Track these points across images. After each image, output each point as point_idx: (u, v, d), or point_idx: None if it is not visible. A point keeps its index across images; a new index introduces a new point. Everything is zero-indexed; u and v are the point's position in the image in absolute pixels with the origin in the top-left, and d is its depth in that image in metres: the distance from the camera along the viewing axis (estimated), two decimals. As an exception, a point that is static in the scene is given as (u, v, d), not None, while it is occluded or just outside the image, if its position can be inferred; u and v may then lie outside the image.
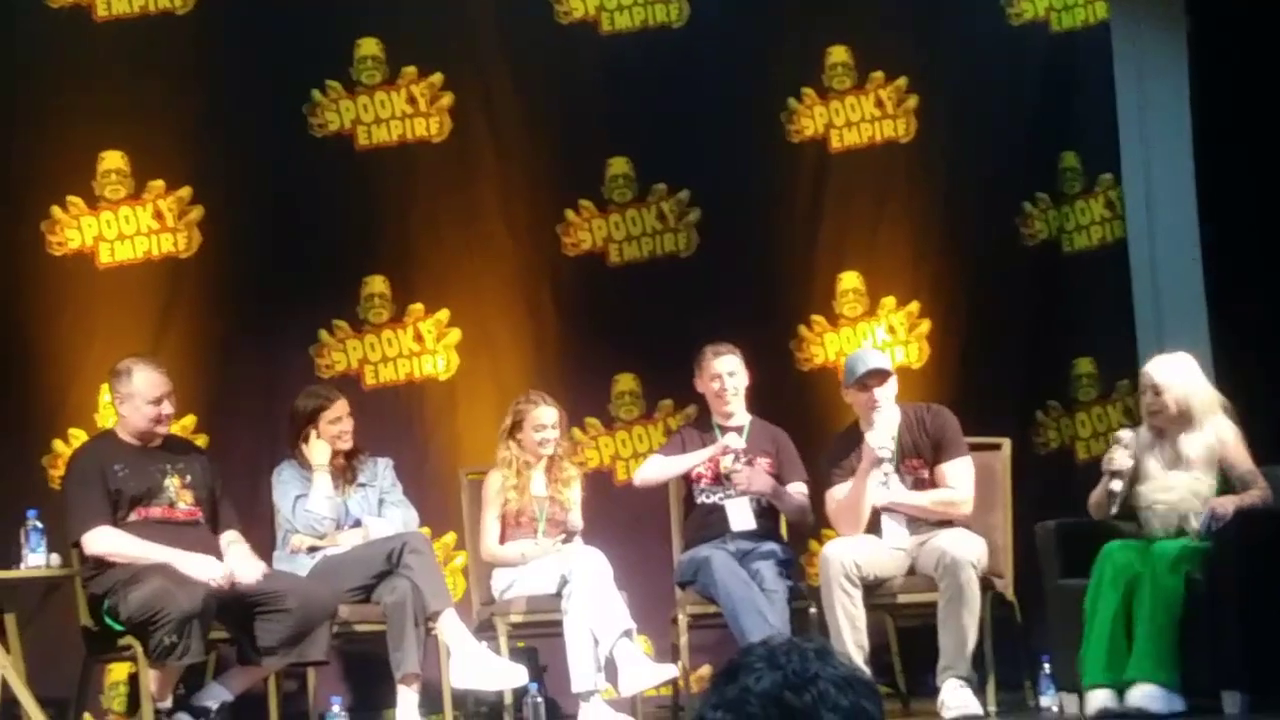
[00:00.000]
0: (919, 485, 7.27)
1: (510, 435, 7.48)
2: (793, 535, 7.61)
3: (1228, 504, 6.67)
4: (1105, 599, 6.66)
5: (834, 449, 7.43)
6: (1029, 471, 8.04)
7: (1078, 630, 6.78)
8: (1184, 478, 6.84)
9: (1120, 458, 6.91)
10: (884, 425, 7.17)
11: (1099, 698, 6.59)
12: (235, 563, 6.74)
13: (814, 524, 7.68)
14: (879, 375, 7.22)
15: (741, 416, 7.58)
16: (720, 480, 7.45)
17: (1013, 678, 7.29)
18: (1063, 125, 8.92)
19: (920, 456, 7.30)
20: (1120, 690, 6.56)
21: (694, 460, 7.46)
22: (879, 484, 7.20)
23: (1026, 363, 8.73)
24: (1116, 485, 6.90)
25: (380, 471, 7.46)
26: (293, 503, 7.25)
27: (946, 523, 7.23)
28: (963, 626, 6.92)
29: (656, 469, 7.55)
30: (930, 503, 7.24)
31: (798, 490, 7.49)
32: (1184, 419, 6.88)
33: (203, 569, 6.61)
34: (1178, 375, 6.93)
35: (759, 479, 7.41)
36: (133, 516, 6.80)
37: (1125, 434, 7.02)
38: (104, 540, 6.67)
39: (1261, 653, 6.50)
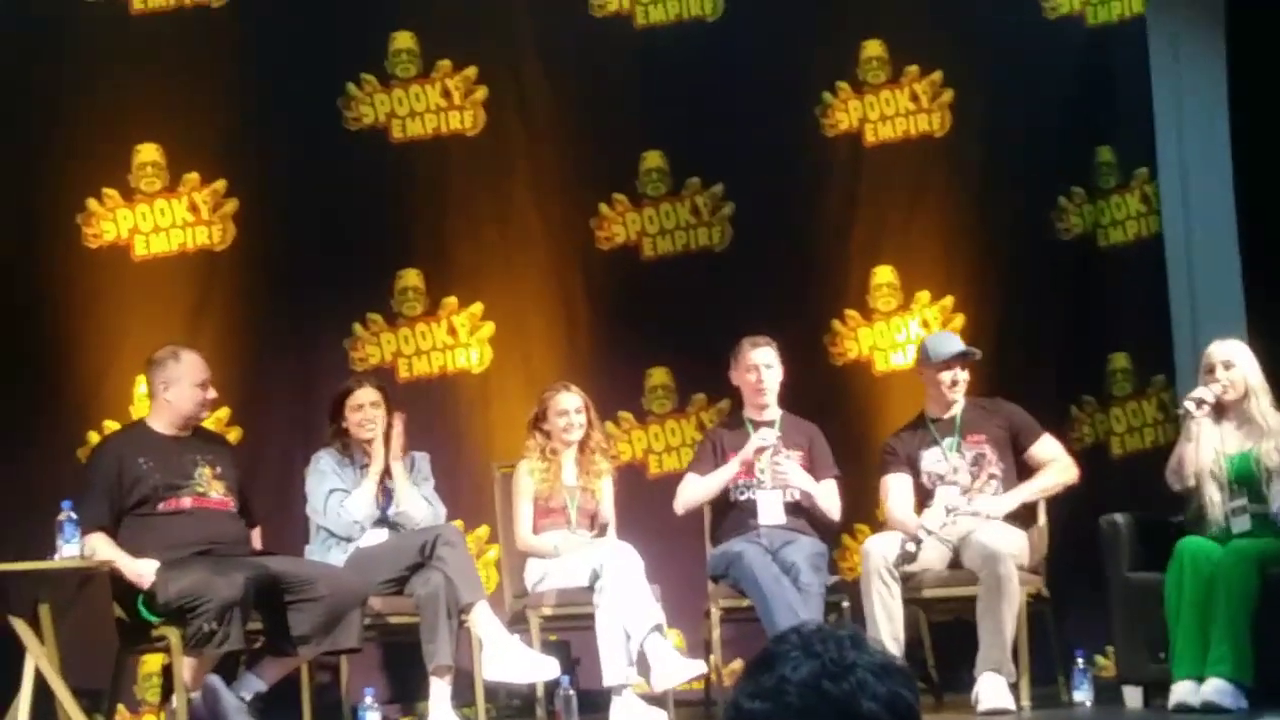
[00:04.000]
0: (978, 465, 7.38)
1: (536, 425, 7.50)
2: (826, 529, 7.60)
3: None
4: (1188, 593, 6.69)
5: (893, 440, 7.59)
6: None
7: (1147, 624, 6.88)
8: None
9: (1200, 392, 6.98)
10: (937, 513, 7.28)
11: (1181, 690, 6.63)
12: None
13: (842, 522, 7.69)
14: (964, 357, 7.43)
15: (773, 410, 7.59)
16: (755, 474, 7.45)
17: (1046, 673, 7.29)
18: (1098, 119, 8.88)
19: (985, 436, 7.42)
20: (1200, 683, 6.61)
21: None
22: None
23: (1061, 358, 8.71)
24: (1191, 405, 6.96)
25: (418, 464, 7.46)
26: (326, 495, 7.26)
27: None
28: (1001, 619, 6.95)
29: (697, 492, 7.55)
30: (1039, 492, 7.39)
31: (828, 486, 7.50)
32: (1247, 395, 6.96)
33: (139, 572, 6.65)
34: (1239, 353, 7.02)
35: (797, 473, 7.42)
36: (162, 507, 6.85)
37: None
38: (94, 548, 6.72)
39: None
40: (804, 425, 7.63)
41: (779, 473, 7.40)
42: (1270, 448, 6.90)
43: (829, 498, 7.49)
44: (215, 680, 6.52)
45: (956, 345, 7.52)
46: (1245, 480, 6.94)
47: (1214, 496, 6.95)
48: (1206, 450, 6.98)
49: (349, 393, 7.37)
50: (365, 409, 7.33)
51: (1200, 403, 6.98)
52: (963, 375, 7.48)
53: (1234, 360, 7.02)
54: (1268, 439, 6.92)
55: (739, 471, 7.47)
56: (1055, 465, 7.49)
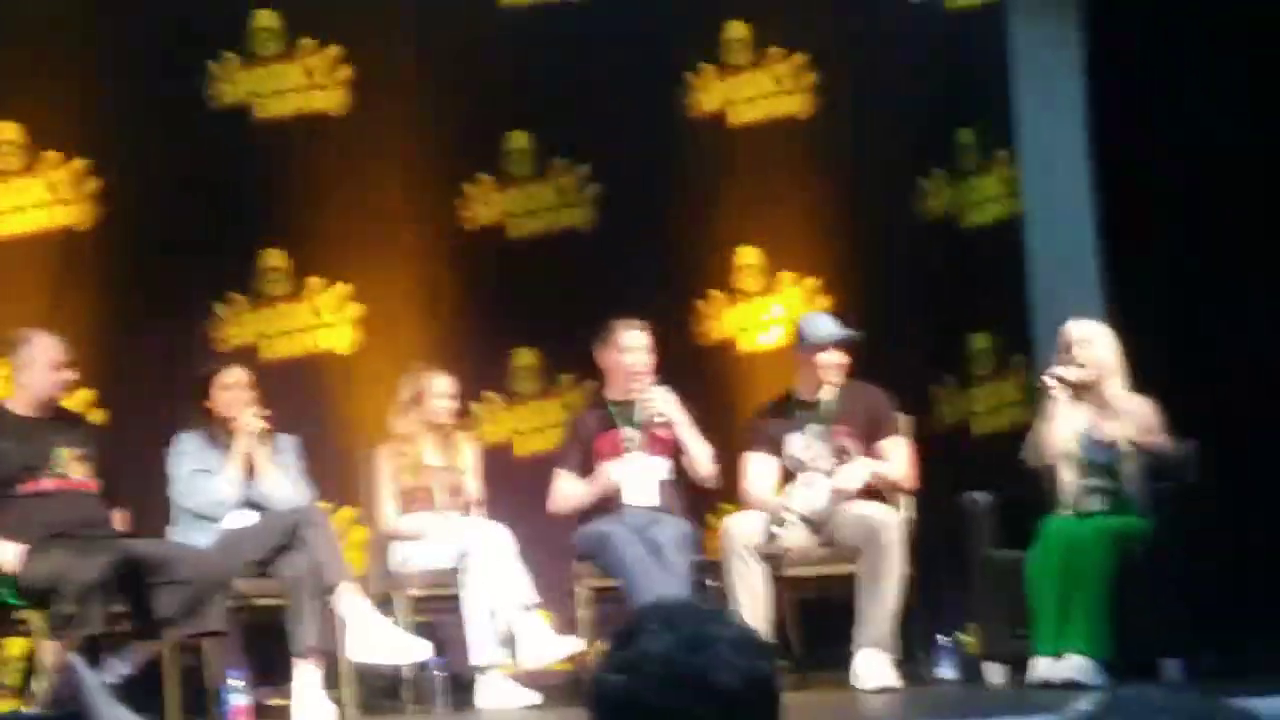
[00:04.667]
0: (840, 455, 7.39)
1: (411, 407, 7.49)
2: (692, 508, 7.66)
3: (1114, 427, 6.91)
4: (1051, 570, 6.78)
5: (759, 417, 7.61)
6: (925, 447, 8.10)
7: (1009, 601, 6.96)
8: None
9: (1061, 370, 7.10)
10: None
11: (1041, 666, 6.73)
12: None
13: (706, 503, 7.75)
14: (844, 343, 7.42)
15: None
16: (622, 451, 7.50)
17: (908, 650, 7.36)
18: (959, 102, 8.98)
19: (850, 426, 7.42)
20: (1059, 659, 6.72)
21: (602, 487, 7.47)
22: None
23: (923, 338, 8.79)
24: (1050, 379, 7.09)
25: (282, 448, 7.43)
26: (189, 476, 7.22)
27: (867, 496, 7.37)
28: (883, 593, 7.03)
29: (571, 502, 7.56)
30: (872, 475, 7.34)
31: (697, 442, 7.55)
32: (1103, 375, 7.07)
33: (1, 557, 6.62)
34: (1098, 333, 7.13)
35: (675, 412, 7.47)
36: (20, 488, 6.82)
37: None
38: None
39: (1198, 623, 6.76)
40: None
41: (659, 413, 7.43)
42: (1119, 429, 7.01)
43: (706, 451, 7.53)
44: (75, 659, 6.47)
45: (834, 329, 7.49)
46: (1097, 461, 7.06)
47: (1067, 475, 7.07)
48: (1063, 429, 7.09)
49: (216, 372, 7.34)
50: (234, 389, 7.29)
51: (1061, 380, 7.09)
52: (840, 359, 7.47)
53: (1089, 339, 7.12)
54: (1120, 421, 7.02)
55: (606, 452, 7.51)
56: (897, 464, 7.49)
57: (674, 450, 7.60)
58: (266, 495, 7.25)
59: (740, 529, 7.17)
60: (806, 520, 7.28)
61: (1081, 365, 7.10)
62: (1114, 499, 7.00)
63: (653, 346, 7.57)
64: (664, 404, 7.46)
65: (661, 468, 7.57)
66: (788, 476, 7.45)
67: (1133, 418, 7.00)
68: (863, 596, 7.08)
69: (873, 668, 6.97)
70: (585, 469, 7.58)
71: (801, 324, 7.65)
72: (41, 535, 6.71)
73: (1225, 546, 7.03)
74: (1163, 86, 7.99)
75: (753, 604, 7.04)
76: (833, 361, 7.44)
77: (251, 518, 7.21)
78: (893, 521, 7.16)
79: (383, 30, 8.39)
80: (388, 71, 8.39)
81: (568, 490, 7.56)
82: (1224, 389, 7.68)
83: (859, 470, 7.37)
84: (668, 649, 2.23)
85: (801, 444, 7.46)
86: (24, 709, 7.02)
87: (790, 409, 7.53)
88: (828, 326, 7.52)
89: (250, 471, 7.26)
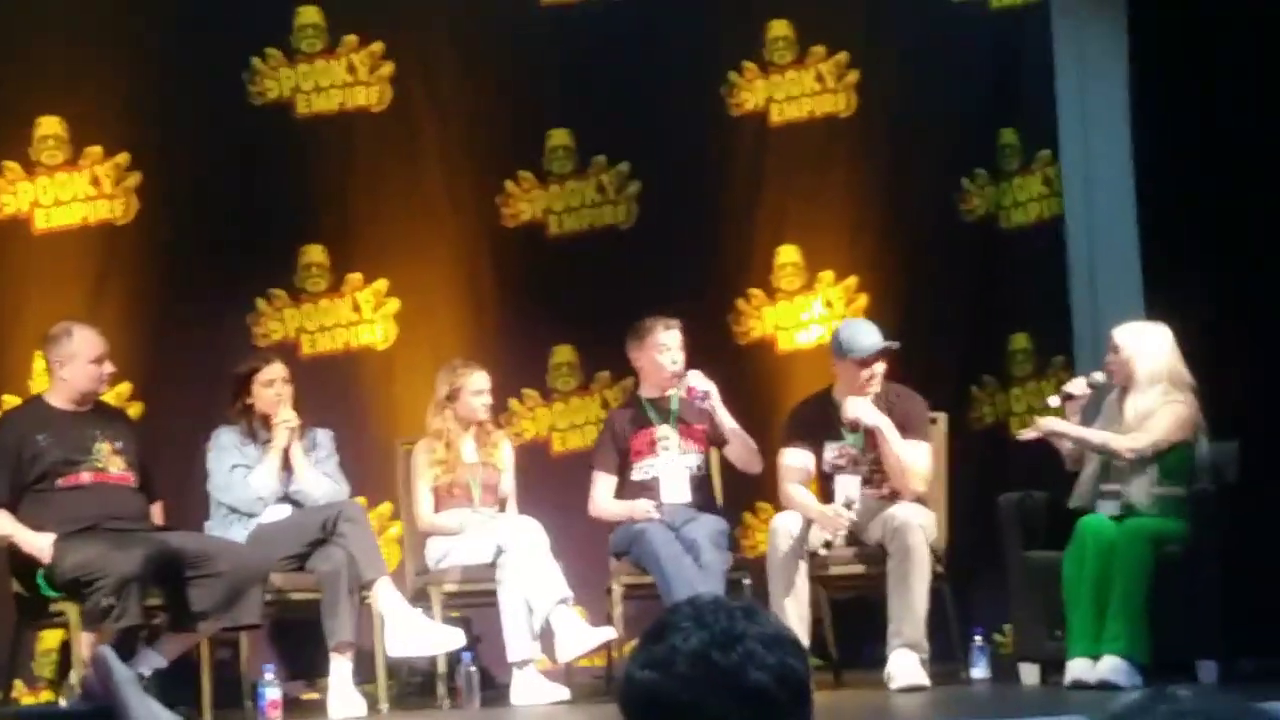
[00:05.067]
0: (876, 464, 7.36)
1: (447, 404, 7.49)
2: (729, 506, 7.66)
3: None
4: (1087, 572, 6.77)
5: (798, 414, 7.56)
6: (964, 447, 8.10)
7: (1042, 602, 6.98)
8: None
9: (1071, 386, 7.23)
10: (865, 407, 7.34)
11: (1077, 667, 6.73)
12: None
13: (745, 501, 7.75)
14: (885, 354, 7.35)
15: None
16: (657, 452, 7.50)
17: (944, 650, 7.36)
18: (1001, 102, 8.95)
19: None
20: (1095, 661, 6.72)
21: (641, 512, 7.41)
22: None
23: (962, 338, 8.77)
24: (1054, 401, 7.23)
25: (320, 441, 7.45)
26: (228, 471, 7.24)
27: (895, 497, 7.32)
28: (912, 591, 7.04)
29: (605, 513, 7.55)
30: (899, 448, 7.29)
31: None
32: (1132, 382, 7.08)
33: (37, 547, 6.65)
34: (1134, 339, 7.10)
35: (721, 409, 7.49)
36: (60, 482, 6.86)
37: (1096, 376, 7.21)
38: None
39: (1235, 624, 6.77)
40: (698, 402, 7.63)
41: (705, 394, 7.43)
42: (1126, 444, 6.99)
43: (748, 448, 7.52)
44: (106, 651, 6.46)
45: (875, 339, 7.37)
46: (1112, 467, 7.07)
47: (1088, 473, 7.09)
48: (1094, 434, 7.10)
49: (258, 369, 7.35)
50: (277, 384, 7.31)
51: (1068, 397, 7.13)
52: (880, 369, 7.40)
53: (1120, 345, 7.12)
54: (1128, 432, 7.01)
55: (640, 450, 7.51)
56: (919, 461, 7.43)
57: (708, 445, 7.60)
58: (303, 491, 7.27)
59: (784, 527, 7.16)
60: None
61: (1094, 377, 7.17)
62: (1127, 507, 6.98)
63: (686, 343, 7.56)
64: (701, 380, 7.44)
65: (696, 463, 7.56)
66: (825, 480, 7.42)
67: (1150, 426, 6.98)
68: (892, 597, 7.08)
69: (904, 667, 6.98)
70: (621, 468, 7.58)
71: (841, 332, 7.54)
72: (79, 529, 6.73)
73: (1264, 549, 7.00)
74: (1207, 90, 7.96)
75: (795, 604, 7.04)
76: (872, 373, 7.38)
77: (288, 512, 7.22)
78: (916, 522, 7.14)
79: (424, 27, 8.41)
80: (429, 68, 8.41)
81: (604, 505, 7.56)
82: (1266, 391, 7.65)
83: (874, 413, 7.32)
84: (699, 646, 2.23)
85: (839, 450, 7.42)
86: (58, 701, 7.06)
87: (830, 412, 7.47)
88: (869, 337, 7.40)
89: (287, 467, 7.28)
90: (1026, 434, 7.36)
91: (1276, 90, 7.89)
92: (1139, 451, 6.96)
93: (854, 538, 7.32)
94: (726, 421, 7.50)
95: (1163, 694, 1.39)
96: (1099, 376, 7.25)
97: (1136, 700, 1.27)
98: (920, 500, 7.37)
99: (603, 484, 7.60)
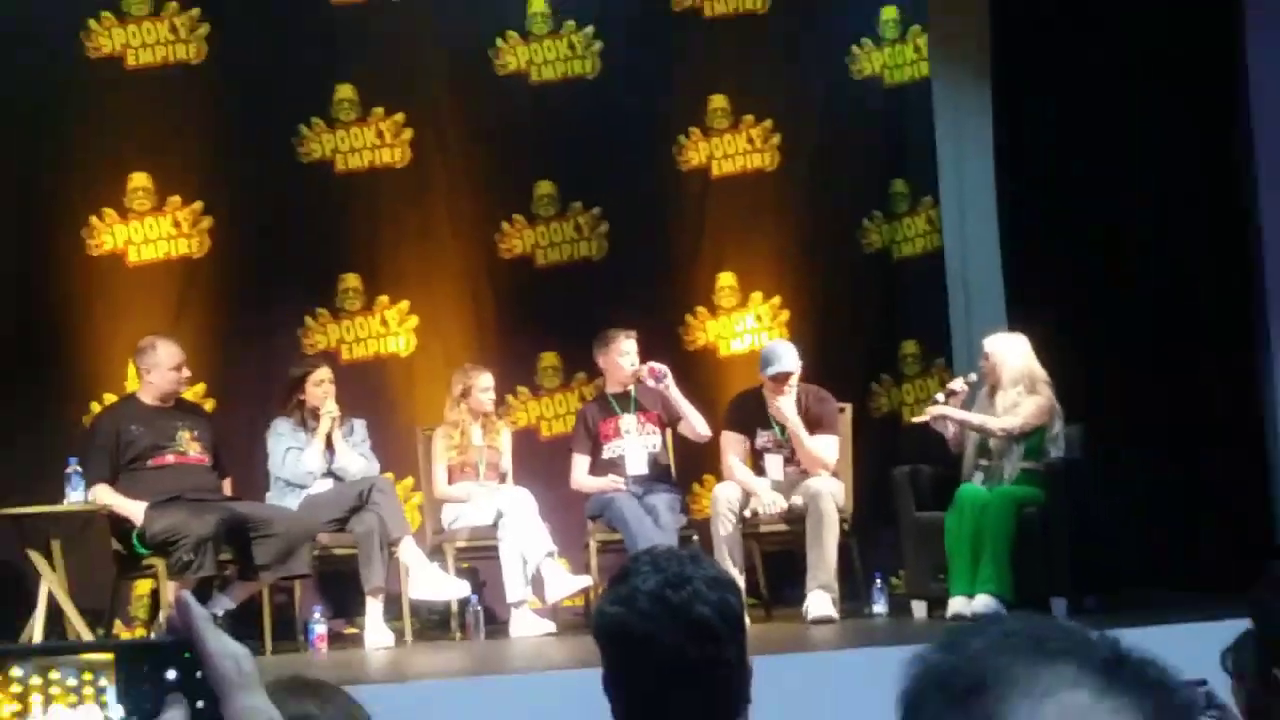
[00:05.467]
0: (792, 454, 7.35)
1: (462, 398, 7.48)
2: (681, 478, 7.66)
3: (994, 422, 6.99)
4: (965, 529, 6.77)
5: (736, 404, 7.54)
6: (866, 430, 8.12)
7: (930, 553, 6.97)
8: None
9: (954, 384, 7.24)
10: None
11: (956, 604, 6.74)
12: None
13: (692, 474, 7.76)
14: (785, 375, 7.31)
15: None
16: (621, 434, 7.49)
17: (852, 591, 7.36)
18: (893, 158, 8.96)
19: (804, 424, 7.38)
20: (971, 599, 6.72)
21: (611, 486, 7.38)
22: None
23: (864, 344, 8.77)
24: (940, 397, 7.21)
25: (356, 428, 7.43)
26: (284, 452, 7.22)
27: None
28: (824, 544, 7.03)
29: (583, 486, 7.50)
30: (807, 439, 7.28)
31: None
32: (1000, 381, 7.06)
33: (131, 512, 6.66)
34: (999, 346, 7.11)
35: (675, 393, 7.48)
36: (150, 463, 6.86)
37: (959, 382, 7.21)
38: (98, 495, 6.71)
39: (1080, 570, 6.77)
40: (653, 392, 7.60)
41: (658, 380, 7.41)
42: (999, 424, 6.99)
43: (698, 420, 7.49)
44: (185, 594, 6.42)
45: (783, 363, 7.31)
46: (986, 447, 7.08)
47: (968, 453, 7.10)
48: (975, 417, 7.11)
49: (311, 371, 7.33)
50: (325, 384, 7.29)
51: (951, 393, 7.14)
52: (792, 383, 7.34)
53: (991, 352, 7.12)
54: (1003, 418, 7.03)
55: (608, 433, 7.50)
56: (825, 452, 7.39)
57: (663, 427, 7.60)
58: (344, 468, 7.25)
59: (724, 495, 7.18)
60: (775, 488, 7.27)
61: (970, 377, 7.20)
62: (998, 477, 6.99)
63: (644, 349, 7.57)
64: (658, 366, 7.44)
65: (654, 444, 7.56)
66: (756, 457, 7.43)
67: (1018, 412, 6.99)
68: (810, 550, 7.08)
69: (819, 604, 6.97)
70: (593, 449, 7.57)
71: (764, 353, 7.52)
72: (165, 499, 6.72)
73: (1103, 510, 7.01)
74: (1059, 149, 7.98)
75: (732, 554, 7.04)
76: (780, 389, 7.34)
77: (331, 485, 7.20)
78: (828, 490, 7.13)
79: (438, 101, 8.39)
80: (441, 133, 8.39)
81: (581, 480, 7.53)
82: (1102, 385, 7.66)
83: (794, 416, 7.30)
84: (655, 586, 2.23)
85: (767, 437, 7.43)
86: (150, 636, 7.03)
87: (760, 405, 7.46)
88: (778, 360, 7.33)
89: (330, 448, 7.25)
90: (920, 418, 7.36)
91: (1111, 151, 7.93)
92: (1009, 430, 6.97)
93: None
94: (678, 398, 7.49)
95: (996, 617, 1.39)
96: (974, 376, 7.27)
97: (977, 623, 1.27)
98: (834, 473, 7.37)
99: (579, 463, 7.58)
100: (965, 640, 1.21)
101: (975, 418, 7.08)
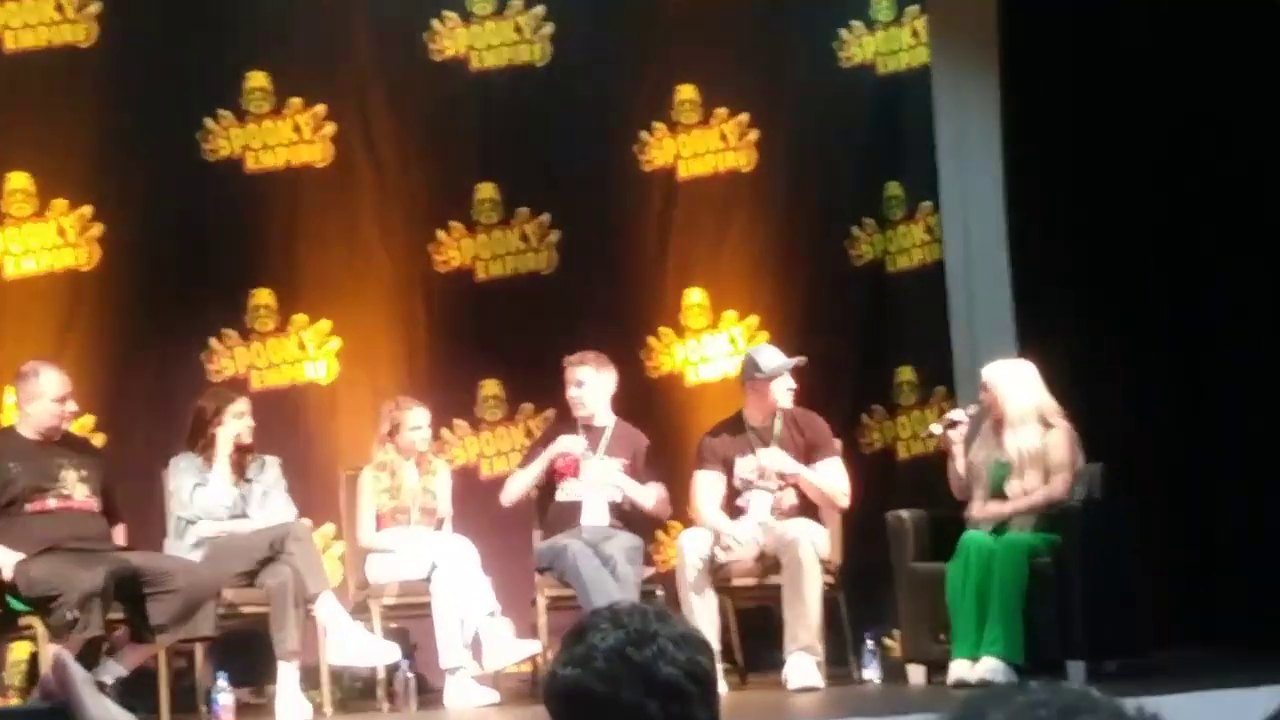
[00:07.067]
0: (783, 478, 7.38)
1: (389, 438, 7.46)
2: (645, 526, 7.64)
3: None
4: (969, 582, 6.77)
5: (710, 439, 7.52)
6: (856, 469, 8.10)
7: (928, 608, 6.98)
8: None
9: (954, 414, 7.28)
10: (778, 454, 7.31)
11: (959, 668, 6.73)
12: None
13: (669, 516, 7.74)
14: (795, 370, 7.38)
15: (604, 418, 7.60)
16: (580, 475, 7.48)
17: (839, 654, 7.35)
18: (887, 158, 9.00)
19: (793, 450, 7.40)
20: (975, 662, 6.72)
21: (540, 466, 7.46)
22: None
23: (853, 371, 8.79)
24: (936, 428, 7.29)
25: (267, 467, 7.39)
26: (190, 490, 7.18)
27: (802, 512, 7.32)
28: (805, 600, 7.02)
29: (514, 485, 7.57)
30: (818, 482, 7.30)
31: (651, 489, 7.52)
32: (1004, 417, 7.04)
33: (2, 563, 6.60)
34: (1000, 377, 7.07)
35: (615, 476, 7.43)
36: (29, 507, 6.82)
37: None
38: None
39: (1099, 629, 6.77)
40: (634, 437, 7.61)
41: (596, 475, 7.42)
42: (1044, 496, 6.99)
43: (652, 499, 7.49)
44: (63, 653, 6.41)
45: (784, 358, 7.44)
46: (999, 489, 7.08)
47: (978, 495, 7.09)
48: (979, 453, 7.11)
49: (228, 403, 7.28)
50: (246, 416, 7.26)
51: (952, 423, 7.15)
52: (792, 384, 7.45)
53: (990, 383, 7.11)
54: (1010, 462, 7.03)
55: (564, 471, 7.49)
56: (836, 481, 7.45)
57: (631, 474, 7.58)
58: (254, 513, 7.21)
59: (692, 544, 7.17)
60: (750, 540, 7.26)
61: (970, 409, 7.21)
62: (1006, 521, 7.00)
63: (603, 378, 7.57)
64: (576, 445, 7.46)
65: (615, 488, 7.54)
66: (736, 495, 7.42)
67: (1053, 465, 6.97)
68: (787, 606, 7.07)
69: (800, 670, 6.97)
70: (546, 480, 7.57)
71: (752, 355, 7.58)
72: (44, 550, 6.67)
73: (1125, 562, 7.02)
74: (1075, 147, 8.02)
75: (703, 610, 7.03)
76: (786, 387, 7.41)
77: (242, 525, 7.16)
78: (807, 538, 7.12)
79: (364, 90, 8.38)
80: (368, 128, 8.38)
81: (511, 480, 7.57)
82: (1124, 417, 7.69)
83: (793, 464, 7.32)
84: (615, 644, 2.22)
85: (752, 465, 7.43)
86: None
87: (743, 432, 7.48)
88: (777, 356, 7.47)
89: (243, 478, 7.22)
90: (936, 426, 7.35)
91: (1130, 152, 7.97)
92: (1059, 496, 6.93)
93: (761, 555, 7.30)
94: (635, 495, 7.50)
95: (1017, 685, 1.38)
96: (974, 408, 7.28)
97: (995, 691, 1.26)
98: (815, 517, 7.36)
99: (522, 480, 7.58)
100: (983, 711, 1.19)
101: (1023, 502, 6.96)
